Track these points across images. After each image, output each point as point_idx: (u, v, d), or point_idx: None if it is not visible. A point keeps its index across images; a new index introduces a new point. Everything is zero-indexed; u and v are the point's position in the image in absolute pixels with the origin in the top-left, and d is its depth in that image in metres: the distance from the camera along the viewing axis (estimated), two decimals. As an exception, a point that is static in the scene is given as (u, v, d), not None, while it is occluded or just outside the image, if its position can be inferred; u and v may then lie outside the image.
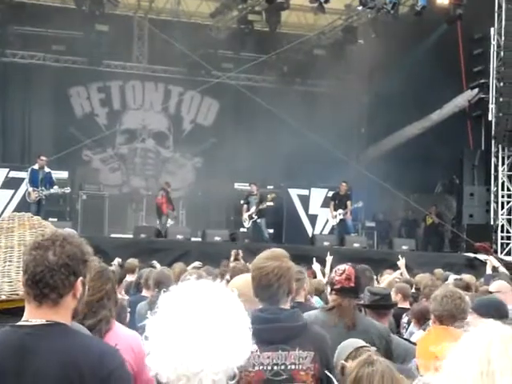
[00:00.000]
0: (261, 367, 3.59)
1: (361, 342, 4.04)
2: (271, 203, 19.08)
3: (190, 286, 2.30)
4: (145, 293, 7.90)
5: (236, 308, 2.30)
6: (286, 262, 3.83)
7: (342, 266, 5.03)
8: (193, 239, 18.05)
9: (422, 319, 6.50)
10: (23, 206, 16.94)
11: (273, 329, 3.64)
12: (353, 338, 4.55)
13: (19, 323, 2.47)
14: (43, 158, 17.43)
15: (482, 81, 19.47)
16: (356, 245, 18.46)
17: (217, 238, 17.74)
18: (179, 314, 2.23)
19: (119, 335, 3.66)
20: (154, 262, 11.55)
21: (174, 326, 2.21)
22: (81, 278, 2.51)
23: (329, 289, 5.16)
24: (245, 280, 4.43)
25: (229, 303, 2.29)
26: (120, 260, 11.75)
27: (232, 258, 12.57)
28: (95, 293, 3.64)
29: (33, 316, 2.49)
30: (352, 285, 4.91)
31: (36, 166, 17.37)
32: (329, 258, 10.40)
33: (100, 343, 2.66)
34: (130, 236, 18.08)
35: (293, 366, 3.65)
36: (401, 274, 10.36)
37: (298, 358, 3.67)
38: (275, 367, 3.62)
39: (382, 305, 5.64)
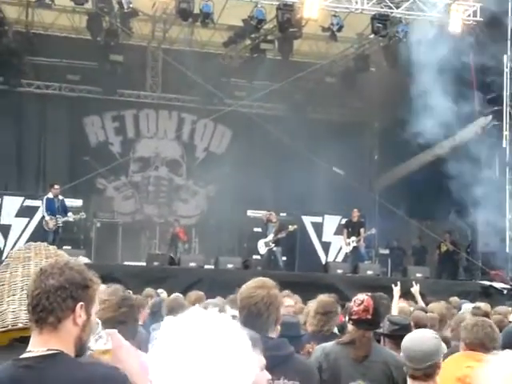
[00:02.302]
0: None
1: None
2: (286, 233, 19.05)
3: (194, 317, 2.19)
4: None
5: (241, 339, 2.20)
6: (273, 290, 3.84)
7: (360, 296, 4.95)
8: (206, 267, 18.05)
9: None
10: (38, 234, 17.02)
11: None
12: (369, 369, 4.52)
13: (22, 356, 2.47)
14: (57, 186, 17.56)
15: (496, 108, 19.48)
16: (369, 272, 18.39)
17: (229, 266, 17.72)
18: (180, 346, 2.14)
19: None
20: (160, 291, 11.44)
21: (174, 358, 2.12)
22: (81, 303, 2.49)
23: (347, 317, 5.14)
24: None
25: (234, 336, 2.19)
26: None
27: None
28: (115, 315, 3.68)
29: (35, 344, 2.48)
30: (369, 317, 4.85)
31: (50, 195, 17.48)
32: (416, 289, 10.17)
33: (101, 368, 2.58)
34: (143, 263, 18.10)
35: None
36: (415, 302, 10.29)
37: None
38: None
39: (401, 335, 5.60)
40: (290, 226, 19.06)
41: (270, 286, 3.86)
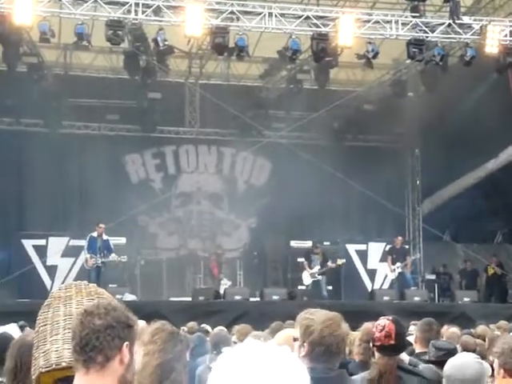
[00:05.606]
0: None
1: None
2: (334, 266, 18.97)
3: (250, 350, 2.13)
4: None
5: (301, 373, 2.13)
6: (343, 324, 3.85)
7: (382, 321, 4.73)
8: (251, 299, 17.98)
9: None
10: (83, 274, 17.17)
11: None
12: None
13: None
14: (101, 225, 17.71)
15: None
16: (416, 298, 18.16)
17: (275, 297, 17.65)
18: (240, 379, 2.07)
19: None
20: (204, 326, 11.34)
21: None
22: (126, 343, 2.50)
23: (371, 344, 4.99)
24: (286, 335, 4.39)
25: (293, 370, 2.11)
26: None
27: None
28: (166, 354, 3.63)
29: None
30: (392, 342, 4.64)
31: (95, 234, 17.66)
32: None
33: None
34: (189, 299, 18.10)
35: None
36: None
37: None
38: None
39: (447, 360, 5.45)
40: (338, 260, 18.97)
41: (340, 320, 3.89)
